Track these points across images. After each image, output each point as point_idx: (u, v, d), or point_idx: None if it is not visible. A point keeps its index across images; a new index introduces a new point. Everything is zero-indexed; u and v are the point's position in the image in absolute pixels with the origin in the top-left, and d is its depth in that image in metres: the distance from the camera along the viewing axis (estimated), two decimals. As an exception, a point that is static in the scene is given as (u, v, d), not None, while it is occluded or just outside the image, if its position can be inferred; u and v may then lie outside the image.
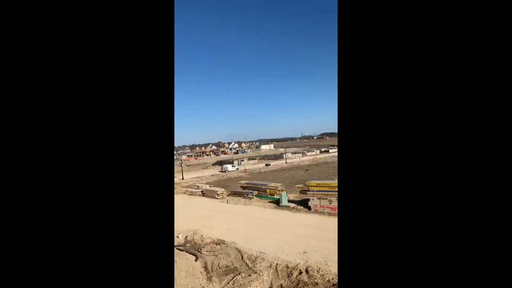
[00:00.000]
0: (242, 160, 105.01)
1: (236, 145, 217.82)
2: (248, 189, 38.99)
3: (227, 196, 39.32)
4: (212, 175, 69.61)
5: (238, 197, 37.62)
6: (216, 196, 39.54)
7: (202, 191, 43.01)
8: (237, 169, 78.84)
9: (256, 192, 37.32)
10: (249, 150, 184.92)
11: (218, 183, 53.68)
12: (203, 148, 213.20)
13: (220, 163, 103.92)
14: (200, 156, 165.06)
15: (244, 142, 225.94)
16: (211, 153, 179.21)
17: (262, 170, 72.73)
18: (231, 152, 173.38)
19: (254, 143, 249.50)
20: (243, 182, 42.59)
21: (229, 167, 79.69)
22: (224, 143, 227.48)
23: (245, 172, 70.62)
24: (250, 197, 36.76)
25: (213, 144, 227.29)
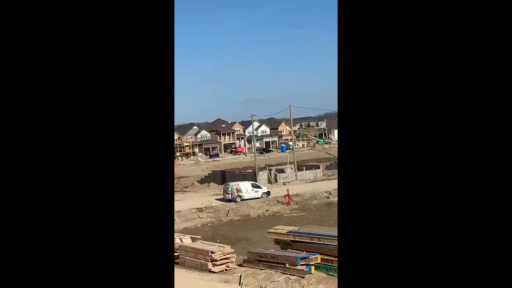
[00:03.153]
0: (282, 171, 58.01)
1: (265, 129, 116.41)
2: (294, 249, 19.77)
3: (240, 266, 20.34)
4: (201, 210, 38.53)
5: (269, 270, 18.78)
6: (209, 265, 19.90)
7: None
8: (267, 194, 44.35)
9: (318, 257, 18.26)
10: (300, 144, 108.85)
11: (215, 230, 32.97)
12: (176, 136, 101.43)
13: (222, 177, 58.98)
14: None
15: (285, 122, 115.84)
16: (195, 149, 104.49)
17: (333, 199, 38.74)
18: (250, 146, 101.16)
19: (304, 123, 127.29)
20: (281, 229, 21.87)
21: (244, 188, 43.66)
22: (232, 123, 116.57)
23: (289, 202, 41.19)
24: (302, 270, 17.82)
25: (202, 126, 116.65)
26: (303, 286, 17.51)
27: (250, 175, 56.85)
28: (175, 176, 70.19)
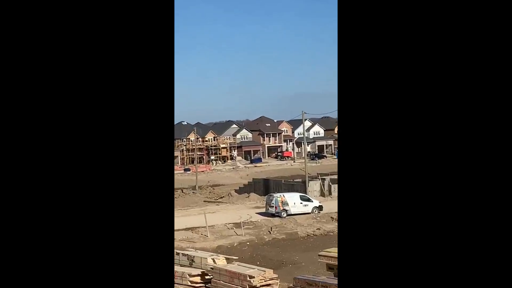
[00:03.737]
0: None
1: (319, 129, 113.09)
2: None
3: None
4: (239, 225, 34.94)
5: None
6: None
7: (204, 278, 19.36)
8: (319, 209, 40.10)
9: None
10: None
11: (255, 251, 29.83)
12: (210, 136, 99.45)
13: (265, 186, 54.34)
14: (201, 160, 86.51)
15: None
16: (233, 151, 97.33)
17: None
18: (300, 151, 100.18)
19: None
20: (335, 252, 17.81)
21: (291, 201, 39.70)
22: (278, 122, 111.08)
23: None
24: None
25: (242, 125, 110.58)
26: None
27: (298, 185, 52.83)
28: (208, 183, 70.07)
